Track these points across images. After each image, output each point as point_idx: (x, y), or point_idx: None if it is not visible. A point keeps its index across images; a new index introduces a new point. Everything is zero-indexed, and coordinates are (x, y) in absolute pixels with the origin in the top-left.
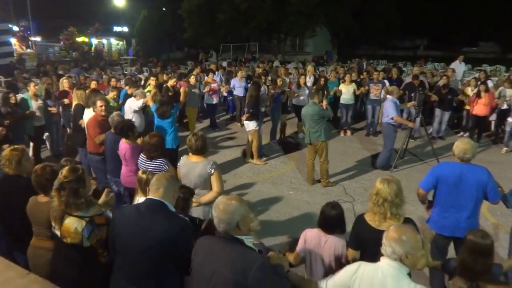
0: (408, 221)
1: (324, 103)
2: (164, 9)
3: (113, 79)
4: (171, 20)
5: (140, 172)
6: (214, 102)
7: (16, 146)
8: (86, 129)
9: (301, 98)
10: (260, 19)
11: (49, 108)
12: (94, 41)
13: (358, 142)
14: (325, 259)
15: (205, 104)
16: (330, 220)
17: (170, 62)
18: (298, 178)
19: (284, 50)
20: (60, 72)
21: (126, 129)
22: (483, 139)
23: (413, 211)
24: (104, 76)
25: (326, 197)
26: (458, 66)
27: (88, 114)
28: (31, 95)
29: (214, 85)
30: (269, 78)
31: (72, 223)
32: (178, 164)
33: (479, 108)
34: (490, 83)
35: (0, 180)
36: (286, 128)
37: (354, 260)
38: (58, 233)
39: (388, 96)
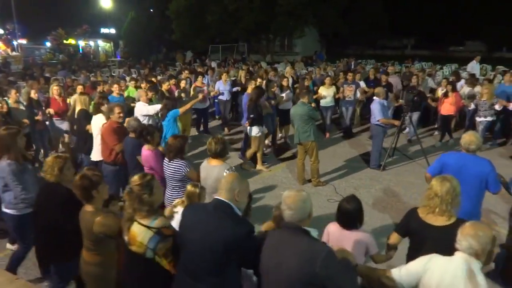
0: (462, 222)
1: (312, 104)
2: (151, 10)
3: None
4: (159, 22)
5: (189, 186)
6: (205, 106)
7: (60, 153)
8: (101, 138)
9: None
10: (249, 20)
11: (37, 117)
12: (82, 43)
13: (347, 143)
14: None
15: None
16: (346, 215)
17: (159, 63)
18: (288, 178)
19: (273, 51)
20: (47, 75)
21: (145, 133)
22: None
23: (415, 205)
24: (92, 79)
25: (317, 197)
26: (475, 67)
27: (98, 121)
28: (12, 102)
29: (204, 89)
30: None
31: (139, 232)
32: (200, 167)
33: (446, 108)
34: (462, 82)
35: (40, 188)
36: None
37: (393, 246)
38: (126, 239)
39: (375, 98)
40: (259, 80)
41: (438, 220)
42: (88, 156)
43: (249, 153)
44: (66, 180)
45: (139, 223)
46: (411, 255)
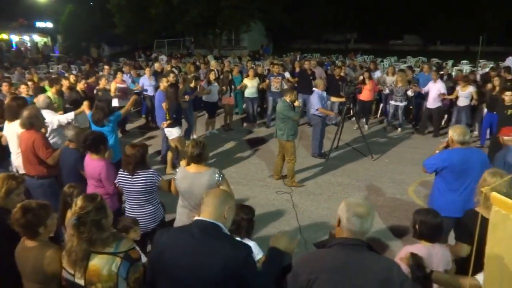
0: None
1: (297, 103)
2: (91, 3)
3: (4, 84)
4: (100, 15)
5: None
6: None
7: (17, 174)
8: (26, 150)
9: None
10: (194, 13)
11: None
12: (15, 38)
13: None
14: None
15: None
16: (435, 228)
17: (102, 59)
18: (238, 173)
19: (220, 45)
20: None
21: (99, 141)
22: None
23: (359, 193)
24: (27, 76)
25: (266, 189)
26: None
27: (14, 129)
28: None
29: (123, 86)
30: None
31: (103, 263)
32: (175, 177)
33: (365, 94)
34: (378, 73)
35: None
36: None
37: None
38: (81, 282)
39: (314, 88)
40: (171, 76)
41: None
42: (1, 168)
43: (179, 156)
44: (11, 206)
45: (100, 253)
46: None
